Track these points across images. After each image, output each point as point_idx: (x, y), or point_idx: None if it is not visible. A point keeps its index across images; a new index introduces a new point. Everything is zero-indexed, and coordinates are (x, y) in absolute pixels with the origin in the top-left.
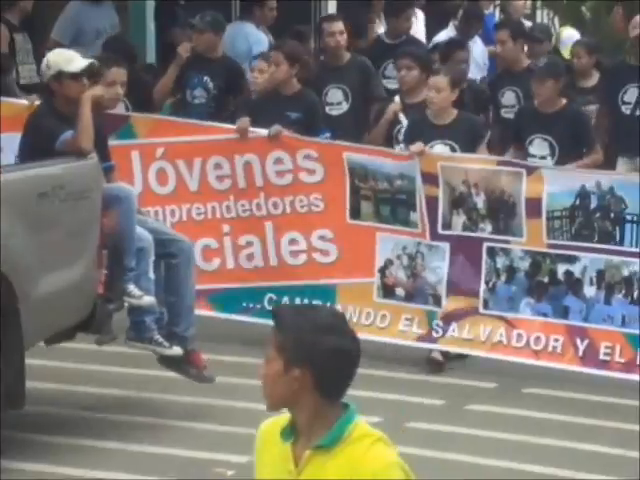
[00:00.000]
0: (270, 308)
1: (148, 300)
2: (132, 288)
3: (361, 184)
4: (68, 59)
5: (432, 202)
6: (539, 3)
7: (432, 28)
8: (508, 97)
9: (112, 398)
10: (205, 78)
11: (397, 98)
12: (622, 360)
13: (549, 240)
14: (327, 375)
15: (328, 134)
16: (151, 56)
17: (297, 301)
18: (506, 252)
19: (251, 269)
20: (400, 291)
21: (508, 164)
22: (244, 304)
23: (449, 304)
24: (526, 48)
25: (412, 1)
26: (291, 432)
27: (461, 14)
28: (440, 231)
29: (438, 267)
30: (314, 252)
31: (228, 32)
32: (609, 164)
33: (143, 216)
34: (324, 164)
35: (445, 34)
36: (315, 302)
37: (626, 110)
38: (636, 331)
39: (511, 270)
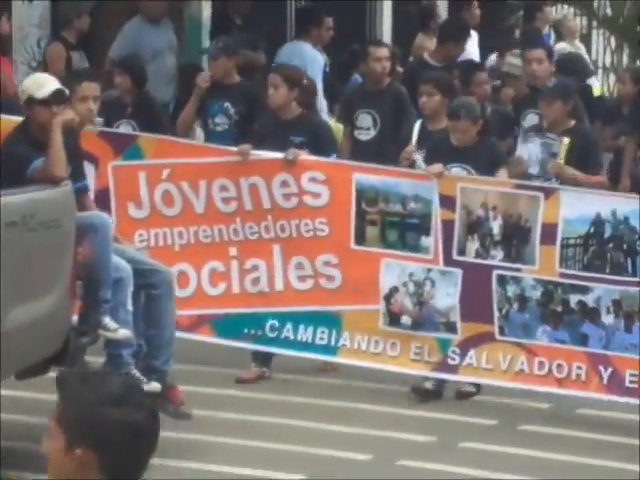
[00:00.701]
0: (272, 335)
1: (124, 333)
2: (107, 321)
3: (368, 208)
4: (39, 84)
5: (448, 226)
6: (595, 23)
7: (486, 49)
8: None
9: None
10: (226, 104)
11: (414, 138)
12: None
13: (561, 269)
14: (113, 455)
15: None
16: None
17: (301, 328)
18: (517, 280)
19: (255, 294)
20: (406, 319)
21: (525, 187)
22: (245, 330)
23: (464, 331)
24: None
25: (468, 29)
26: None
27: (520, 34)
28: (455, 257)
29: (451, 293)
30: (320, 277)
31: (284, 51)
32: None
33: (121, 245)
34: (330, 187)
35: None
36: (321, 329)
37: None
38: None
39: (523, 299)
